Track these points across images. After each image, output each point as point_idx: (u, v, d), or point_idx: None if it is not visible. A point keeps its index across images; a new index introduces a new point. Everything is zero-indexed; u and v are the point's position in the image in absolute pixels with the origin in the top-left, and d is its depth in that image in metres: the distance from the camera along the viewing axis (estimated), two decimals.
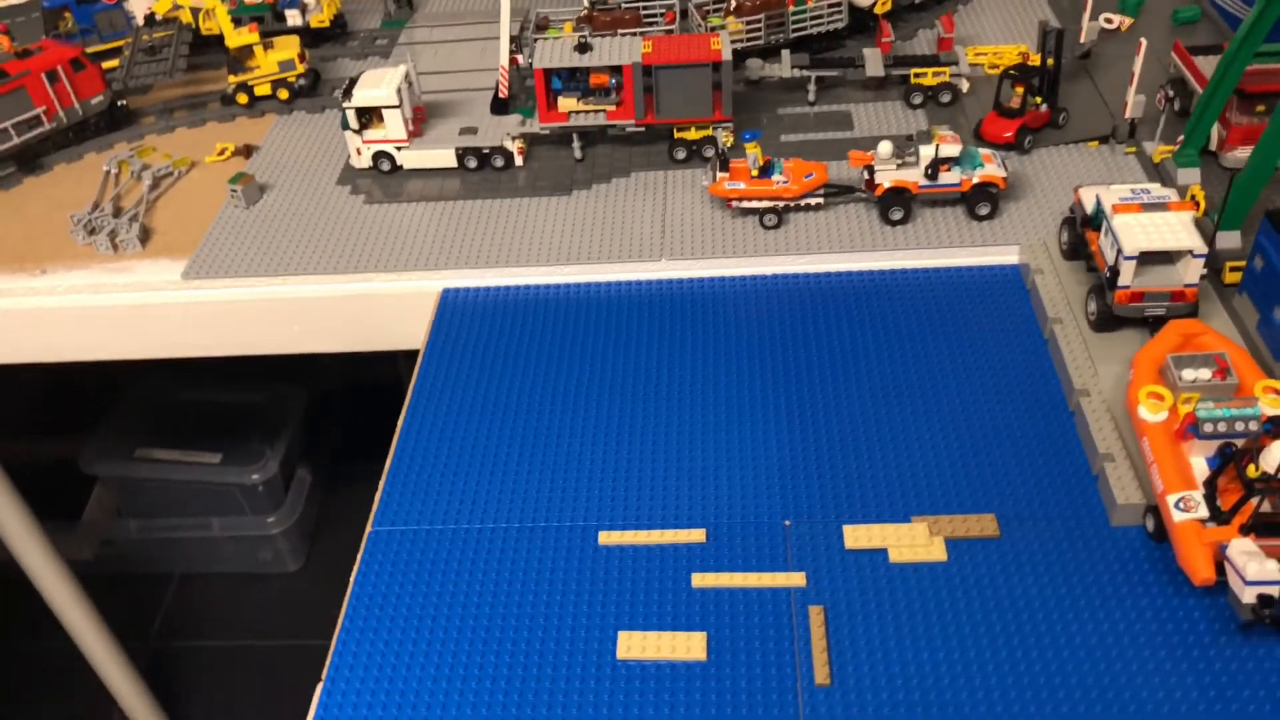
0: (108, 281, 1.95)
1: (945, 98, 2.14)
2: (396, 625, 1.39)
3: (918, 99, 2.14)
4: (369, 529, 1.52)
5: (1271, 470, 1.21)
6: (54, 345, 2.00)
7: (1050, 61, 1.98)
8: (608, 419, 1.63)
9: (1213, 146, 1.87)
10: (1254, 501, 1.22)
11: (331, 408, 3.67)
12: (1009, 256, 1.83)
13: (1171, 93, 1.96)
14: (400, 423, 1.67)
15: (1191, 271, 1.53)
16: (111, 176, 2.18)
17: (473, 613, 1.39)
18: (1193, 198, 1.75)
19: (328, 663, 1.36)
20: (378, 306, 1.91)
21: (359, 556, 1.49)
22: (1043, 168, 1.97)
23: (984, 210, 1.85)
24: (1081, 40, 2.17)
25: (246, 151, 2.22)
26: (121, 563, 3.63)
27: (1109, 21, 2.25)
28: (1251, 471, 1.22)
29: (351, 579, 1.46)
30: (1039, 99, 1.99)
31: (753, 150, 1.86)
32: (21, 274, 1.98)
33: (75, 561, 3.36)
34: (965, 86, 2.14)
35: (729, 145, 2.02)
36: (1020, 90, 1.96)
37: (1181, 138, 1.83)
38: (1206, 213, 1.74)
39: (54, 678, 3.38)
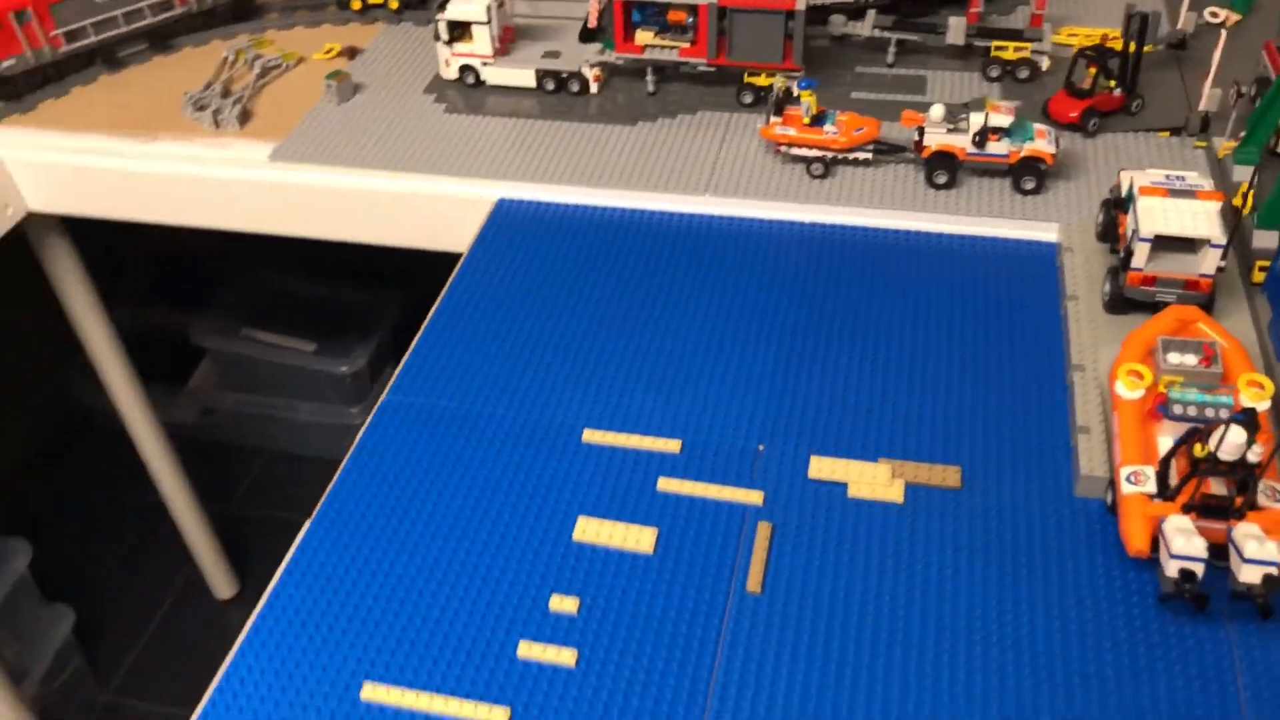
0: (206, 155, 2.13)
1: (1023, 73, 2.13)
2: (386, 484, 1.52)
3: (995, 72, 2.14)
4: (382, 398, 1.66)
5: (1218, 451, 1.21)
6: (151, 206, 2.20)
7: (1132, 47, 1.95)
8: (617, 332, 1.72)
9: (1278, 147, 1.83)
10: (1195, 480, 1.23)
11: (423, 316, 3.87)
12: (1048, 234, 1.83)
13: (1245, 89, 1.91)
14: (434, 308, 1.80)
15: (1208, 262, 1.52)
16: (228, 62, 2.37)
17: (455, 482, 1.51)
18: (1242, 195, 1.72)
19: (318, 507, 1.51)
20: (438, 207, 2.04)
21: (367, 421, 1.63)
22: (1103, 152, 1.95)
23: (1029, 185, 1.85)
24: (1178, 28, 2.12)
25: (350, 53, 2.37)
26: (217, 432, 3.92)
27: (1214, 15, 2.18)
28: (1199, 451, 1.23)
29: (356, 439, 1.60)
30: (1113, 83, 1.97)
31: (808, 98, 1.90)
32: (136, 139, 2.18)
33: (177, 425, 3.67)
34: (1046, 64, 2.12)
35: (795, 95, 2.06)
36: (1093, 71, 1.95)
37: (1243, 134, 1.79)
38: (1252, 210, 1.70)
39: (139, 527, 3.69)
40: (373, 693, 1.27)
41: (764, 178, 1.96)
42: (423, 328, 1.78)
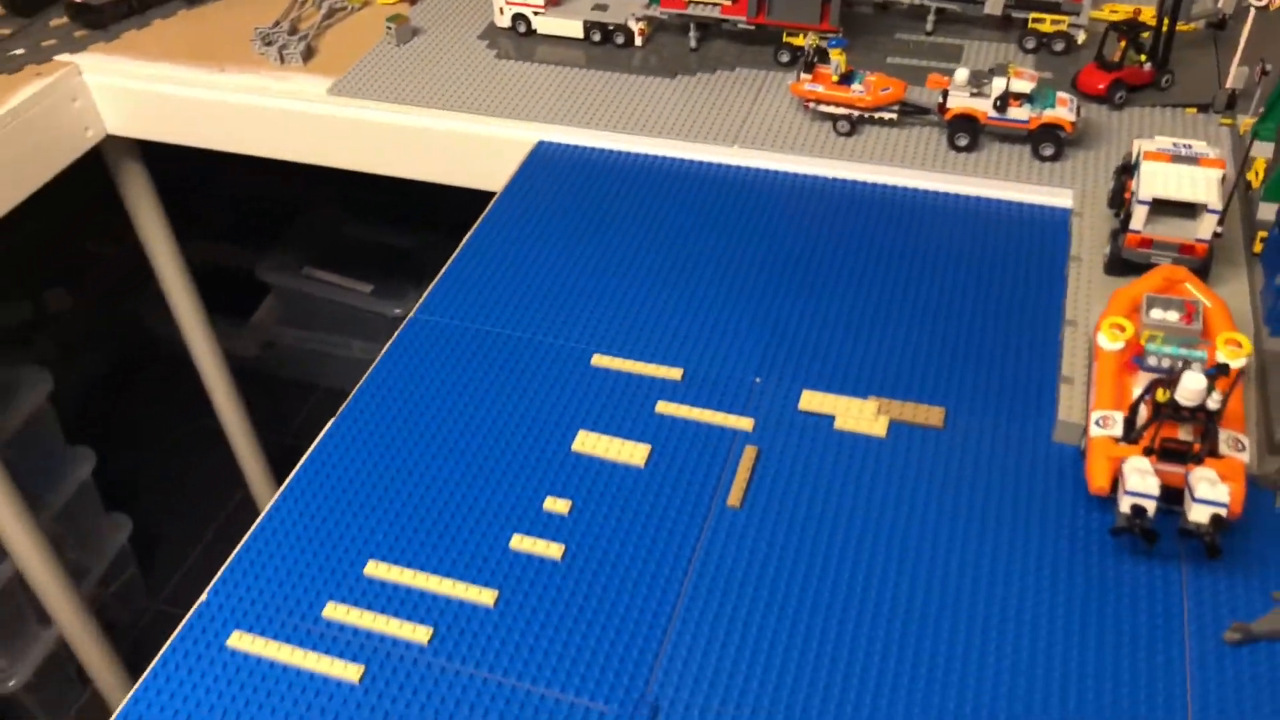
0: (269, 87, 2.27)
1: (1059, 46, 2.16)
2: (406, 391, 1.64)
3: (1031, 44, 2.18)
4: (410, 315, 1.78)
5: (1180, 397, 1.27)
6: (216, 133, 2.35)
7: (1165, 23, 1.98)
8: (634, 268, 1.81)
9: None
10: (1157, 425, 1.29)
11: None
12: (1063, 200, 1.88)
13: (1269, 67, 1.93)
14: (467, 236, 1.91)
15: (1204, 227, 1.56)
16: (297, 2, 2.50)
17: (470, 393, 1.62)
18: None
19: (342, 407, 1.63)
20: (480, 146, 2.14)
21: (394, 334, 1.74)
22: (1127, 124, 1.99)
23: (1047, 151, 1.90)
24: (1218, 6, 2.14)
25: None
26: (276, 366, 4.11)
27: None
28: (1160, 396, 1.28)
29: (383, 350, 1.72)
30: (1143, 57, 2.00)
31: (837, 57, 1.97)
32: (206, 69, 2.33)
33: (239, 356, 3.86)
34: (1081, 38, 2.15)
35: (828, 55, 2.12)
36: (1122, 45, 1.98)
37: (1262, 109, 1.82)
38: (1262, 185, 1.73)
39: (197, 450, 3.89)
40: (375, 569, 1.39)
41: (791, 133, 2.03)
42: (454, 254, 1.89)
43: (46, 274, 4.03)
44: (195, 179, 3.94)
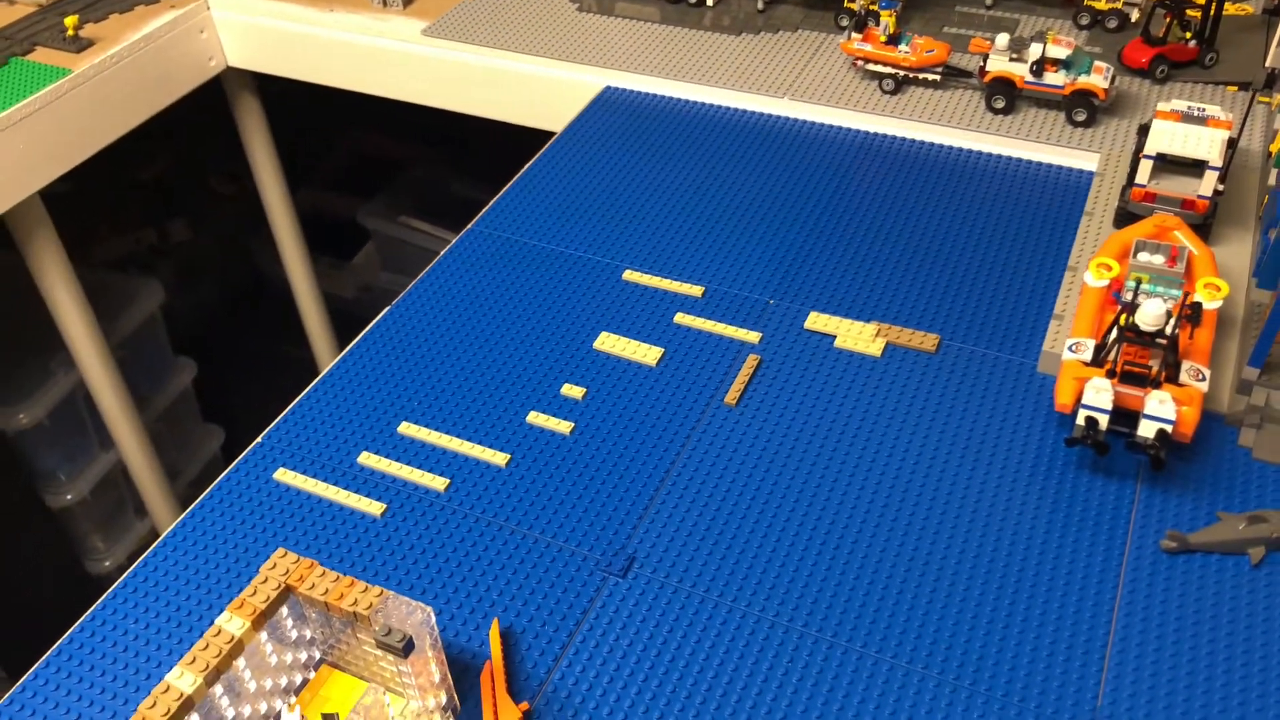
0: (371, 26, 2.49)
1: (1112, 23, 2.23)
2: (456, 289, 1.83)
3: (1085, 20, 2.25)
4: (468, 227, 1.96)
5: (1139, 321, 1.36)
6: (320, 68, 2.58)
7: (1213, 3, 2.04)
8: (674, 198, 1.97)
9: None
10: (1121, 348, 1.38)
11: None
12: (1090, 163, 1.96)
13: None
14: (530, 163, 2.09)
15: (1206, 184, 1.64)
16: None
17: (510, 294, 1.80)
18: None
19: (396, 300, 1.83)
20: (552, 88, 2.32)
21: (450, 244, 1.94)
22: (1164, 97, 2.05)
23: (1080, 116, 1.98)
24: None
25: None
26: (373, 308, 4.36)
27: None
28: (1123, 320, 1.38)
29: (438, 255, 1.91)
30: (1188, 34, 2.06)
31: (887, 18, 2.09)
32: (316, 8, 2.56)
33: (338, 297, 4.14)
34: (1135, 16, 2.22)
35: (882, 17, 2.24)
36: (1168, 20, 2.05)
37: None
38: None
39: (291, 377, 4.16)
40: (406, 429, 1.57)
41: (840, 90, 2.15)
42: (515, 178, 2.08)
43: (172, 207, 4.37)
44: (314, 134, 4.25)
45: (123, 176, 4.01)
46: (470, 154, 3.99)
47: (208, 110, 3.05)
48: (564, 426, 1.56)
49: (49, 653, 1.33)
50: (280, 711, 1.18)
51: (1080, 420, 1.38)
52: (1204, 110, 1.70)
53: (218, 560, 1.42)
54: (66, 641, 1.34)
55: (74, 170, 2.43)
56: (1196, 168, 1.66)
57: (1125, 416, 1.39)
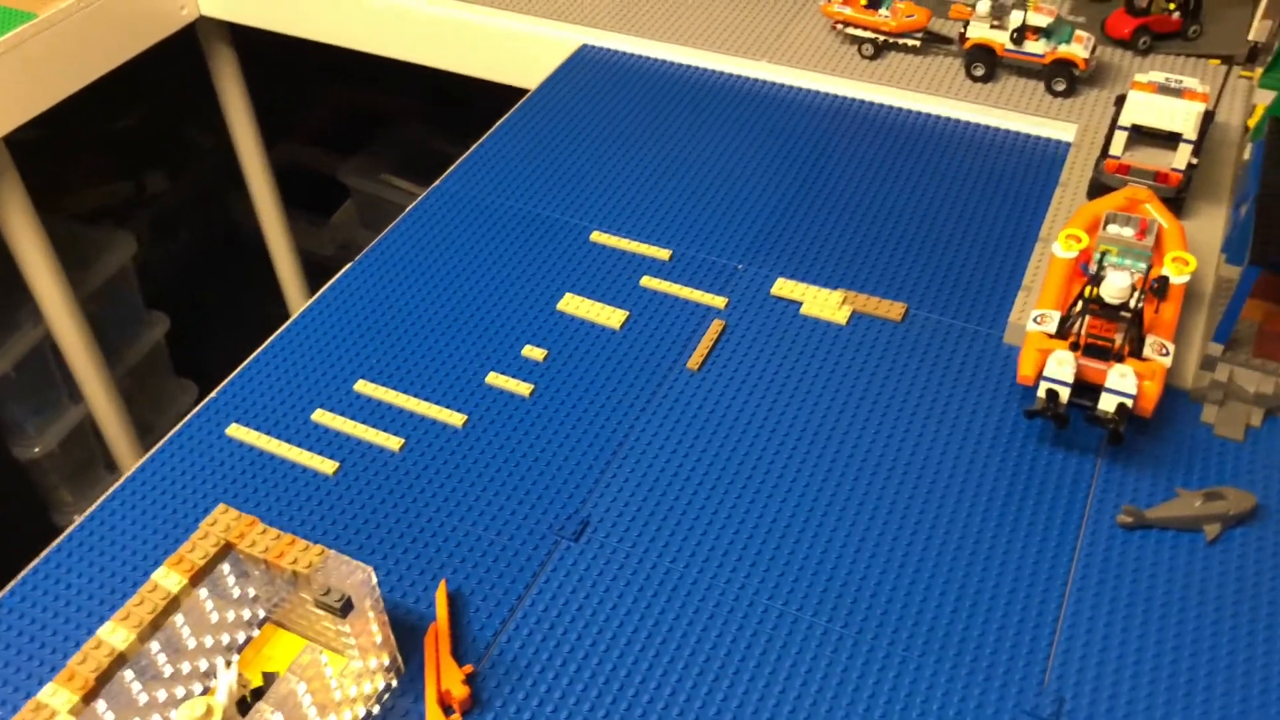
0: None
1: None
2: (418, 247, 1.80)
3: None
4: (435, 185, 1.93)
5: (1104, 293, 1.34)
6: (293, 18, 2.53)
7: None
8: (643, 158, 1.94)
9: None
10: (1084, 320, 1.37)
11: None
12: (1066, 134, 1.94)
13: None
14: (500, 121, 2.06)
15: (1179, 156, 1.61)
16: None
17: (474, 255, 1.77)
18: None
19: (358, 256, 1.80)
20: (527, 45, 2.28)
21: (414, 202, 1.90)
22: (1146, 69, 2.02)
23: (1059, 86, 1.95)
24: None
25: None
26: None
27: None
28: (1088, 292, 1.36)
29: (402, 214, 1.88)
30: (1172, 5, 2.03)
31: None
32: None
33: (318, 254, 4.10)
34: None
35: None
36: None
37: (1269, 59, 1.84)
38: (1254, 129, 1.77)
39: (266, 333, 4.13)
40: (363, 387, 1.55)
41: (819, 54, 2.12)
42: (484, 136, 2.04)
43: (149, 158, 4.30)
44: (294, 88, 4.18)
45: (98, 128, 3.94)
46: (454, 111, 3.93)
47: (186, 60, 2.99)
48: (523, 388, 1.54)
49: None
50: (218, 668, 1.16)
51: (1041, 393, 1.36)
52: (1181, 82, 1.67)
53: (165, 516, 1.40)
54: (8, 595, 1.32)
55: (46, 120, 2.38)
56: (1171, 141, 1.64)
57: (1087, 389, 1.38)
